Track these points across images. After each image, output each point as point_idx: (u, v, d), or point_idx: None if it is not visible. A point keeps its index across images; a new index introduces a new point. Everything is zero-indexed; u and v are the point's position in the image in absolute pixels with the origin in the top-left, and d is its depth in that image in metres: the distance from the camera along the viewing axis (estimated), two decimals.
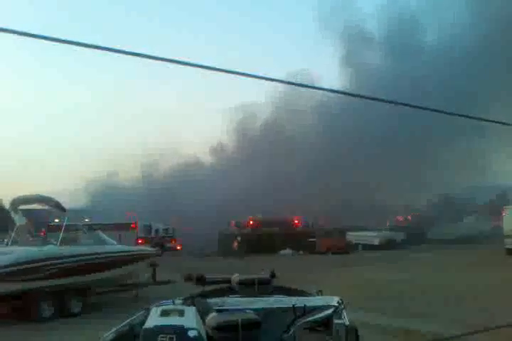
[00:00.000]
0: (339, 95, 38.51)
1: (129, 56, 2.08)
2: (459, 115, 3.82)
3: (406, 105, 3.42)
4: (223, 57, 62.81)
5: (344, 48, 54.34)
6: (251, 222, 41.19)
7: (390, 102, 3.65)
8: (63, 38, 1.92)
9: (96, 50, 2.01)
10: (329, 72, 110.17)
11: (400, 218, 48.39)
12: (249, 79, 2.48)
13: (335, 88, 54.24)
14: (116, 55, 2.10)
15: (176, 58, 2.19)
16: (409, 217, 49.03)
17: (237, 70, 2.45)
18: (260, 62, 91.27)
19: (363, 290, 15.64)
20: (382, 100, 3.54)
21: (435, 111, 3.57)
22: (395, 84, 44.61)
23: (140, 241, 33.56)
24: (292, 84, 3.24)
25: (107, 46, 2.04)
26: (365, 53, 54.47)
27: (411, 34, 50.90)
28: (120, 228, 32.72)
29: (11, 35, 1.80)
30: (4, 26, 1.78)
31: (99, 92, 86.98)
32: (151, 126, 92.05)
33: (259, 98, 53.66)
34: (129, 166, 53.79)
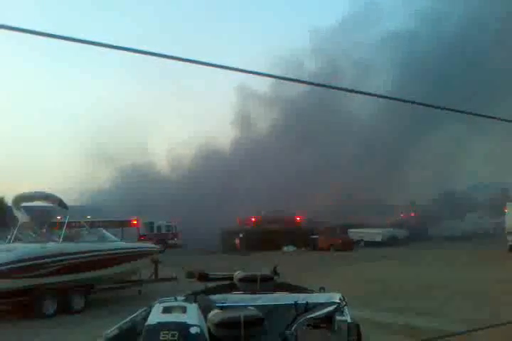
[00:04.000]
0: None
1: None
2: (457, 111, 3.80)
3: (413, 103, 3.41)
4: None
5: None
6: (253, 220, 41.29)
7: (398, 100, 3.64)
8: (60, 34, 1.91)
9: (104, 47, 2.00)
10: None
11: (403, 215, 48.32)
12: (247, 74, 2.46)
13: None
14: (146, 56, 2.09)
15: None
16: (412, 214, 49.00)
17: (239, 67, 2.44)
18: None
19: (369, 288, 15.67)
20: (385, 97, 3.52)
21: (439, 108, 3.56)
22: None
23: (142, 238, 33.62)
24: (298, 81, 3.20)
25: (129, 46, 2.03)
26: None
27: None
28: (122, 225, 32.79)
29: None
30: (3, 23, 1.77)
31: (100, 91, 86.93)
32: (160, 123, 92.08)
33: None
34: (133, 164, 53.45)
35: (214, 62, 2.25)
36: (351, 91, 3.61)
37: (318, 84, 3.88)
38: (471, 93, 39.62)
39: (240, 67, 2.43)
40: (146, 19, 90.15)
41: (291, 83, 42.40)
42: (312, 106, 46.32)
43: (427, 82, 43.10)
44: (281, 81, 47.73)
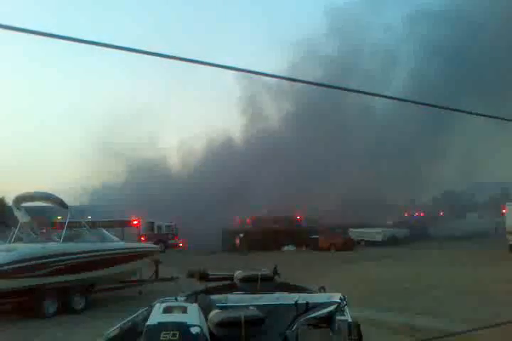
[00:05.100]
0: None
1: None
2: (456, 110, 3.80)
3: (415, 102, 3.41)
4: None
5: None
6: (253, 219, 41.33)
7: (398, 99, 3.63)
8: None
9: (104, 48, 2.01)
10: None
11: (403, 215, 48.39)
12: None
13: None
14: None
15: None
16: (412, 214, 49.06)
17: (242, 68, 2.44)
18: None
19: (369, 287, 15.68)
20: (384, 96, 3.52)
21: (436, 107, 3.56)
22: None
23: (143, 238, 33.63)
24: (299, 81, 3.20)
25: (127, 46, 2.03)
26: None
27: None
28: (123, 225, 32.77)
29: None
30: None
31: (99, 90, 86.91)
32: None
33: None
34: (133, 164, 53.28)
35: (218, 58, 2.26)
36: (353, 91, 3.61)
37: (318, 84, 3.88)
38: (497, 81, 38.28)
39: (241, 66, 2.44)
40: (148, 19, 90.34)
41: (304, 74, 42.15)
42: (319, 105, 45.98)
43: (453, 68, 41.38)
44: (292, 73, 46.77)
